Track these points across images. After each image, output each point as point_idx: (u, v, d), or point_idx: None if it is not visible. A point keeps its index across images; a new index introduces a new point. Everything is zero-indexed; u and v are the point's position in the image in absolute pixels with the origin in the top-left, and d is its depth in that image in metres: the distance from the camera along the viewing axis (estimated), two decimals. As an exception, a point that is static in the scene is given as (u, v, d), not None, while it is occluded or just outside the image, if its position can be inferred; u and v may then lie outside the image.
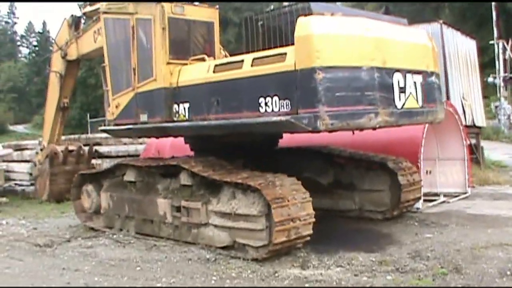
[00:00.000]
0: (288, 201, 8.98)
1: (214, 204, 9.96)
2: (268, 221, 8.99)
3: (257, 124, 9.23)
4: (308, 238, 9.34)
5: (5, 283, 8.81)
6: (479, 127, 23.36)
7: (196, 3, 12.06)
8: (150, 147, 18.55)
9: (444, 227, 11.41)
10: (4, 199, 19.56)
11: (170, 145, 16.63)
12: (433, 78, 10.49)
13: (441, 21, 21.46)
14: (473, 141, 20.77)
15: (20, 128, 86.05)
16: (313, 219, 9.28)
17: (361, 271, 8.52)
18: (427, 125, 12.92)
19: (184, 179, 10.63)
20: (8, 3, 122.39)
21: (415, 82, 9.92)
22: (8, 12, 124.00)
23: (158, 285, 8.20)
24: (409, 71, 9.79)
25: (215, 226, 9.93)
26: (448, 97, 19.10)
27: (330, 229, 11.16)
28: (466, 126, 18.35)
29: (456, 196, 15.17)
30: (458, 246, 9.76)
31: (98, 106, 55.62)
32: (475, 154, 20.32)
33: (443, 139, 15.77)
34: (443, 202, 14.54)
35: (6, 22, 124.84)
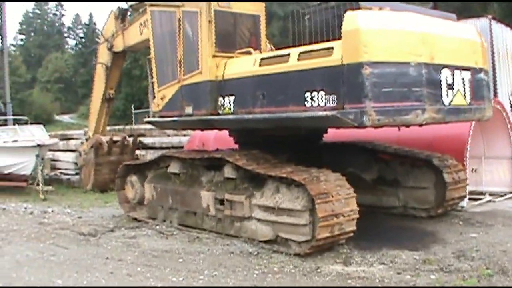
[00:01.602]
0: (332, 196, 8.93)
1: (257, 197, 9.97)
2: (311, 216, 8.95)
3: (302, 118, 9.19)
4: (352, 234, 9.29)
5: (51, 271, 8.97)
6: (527, 125, 22.83)
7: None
8: (194, 139, 18.64)
9: (489, 227, 11.19)
10: (50, 188, 20.00)
11: (214, 137, 16.68)
12: (481, 75, 10.29)
13: (490, 16, 21.01)
14: (521, 139, 20.30)
15: (66, 118, 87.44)
16: (357, 215, 9.22)
17: (404, 269, 8.42)
18: (473, 122, 12.68)
19: (228, 172, 10.66)
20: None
21: (463, 79, 9.76)
22: (56, 5, 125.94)
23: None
24: (457, 68, 9.62)
25: (258, 220, 9.93)
26: (495, 94, 18.72)
27: (373, 226, 11.07)
28: (514, 124, 17.95)
29: (502, 196, 14.84)
30: (504, 247, 9.56)
31: (142, 97, 56.19)
32: (522, 152, 19.86)
33: (490, 137, 15.45)
34: (489, 201, 14.25)
35: (54, 14, 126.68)
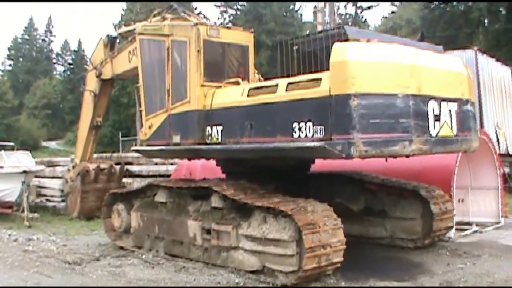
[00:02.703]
0: (320, 227, 8.92)
1: (244, 228, 9.93)
2: (298, 247, 8.93)
3: (290, 149, 9.20)
4: (339, 265, 9.25)
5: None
6: (513, 155, 23.02)
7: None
8: (181, 168, 18.58)
9: (477, 258, 11.20)
10: (35, 215, 19.77)
11: (201, 166, 16.64)
12: (468, 106, 10.36)
13: (475, 48, 21.30)
14: (507, 169, 20.48)
15: (52, 144, 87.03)
16: (344, 246, 9.20)
17: (392, 301, 8.41)
18: (460, 153, 12.74)
19: (215, 201, 10.63)
20: (45, 22, 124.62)
21: (450, 110, 9.82)
22: (45, 31, 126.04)
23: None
24: (444, 99, 9.68)
25: (245, 250, 9.89)
26: (482, 125, 18.91)
27: (360, 256, 11.04)
28: (500, 155, 18.07)
29: (489, 226, 14.89)
30: (491, 278, 9.57)
31: (130, 124, 56.13)
32: (508, 183, 20.00)
33: (476, 167, 15.53)
34: (476, 231, 14.29)
35: (43, 40, 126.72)
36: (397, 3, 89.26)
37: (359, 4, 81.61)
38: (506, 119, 22.84)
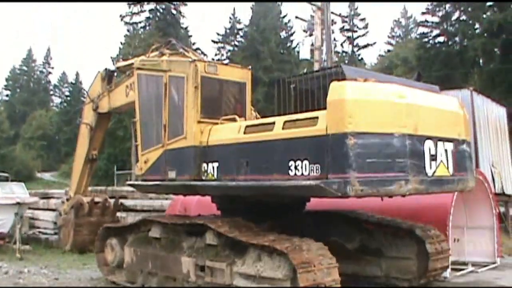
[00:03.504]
0: (314, 266, 8.81)
1: (239, 265, 9.82)
2: (293, 286, 8.81)
3: (286, 187, 9.16)
4: (334, 304, 9.14)
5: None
6: (509, 195, 23.00)
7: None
8: (175, 203, 18.50)
9: (472, 299, 11.13)
10: (27, 247, 19.66)
11: (196, 202, 16.57)
12: (464, 146, 10.37)
13: (471, 88, 21.44)
14: (502, 209, 20.45)
15: (46, 175, 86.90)
16: (339, 285, 9.09)
17: None
18: (456, 192, 12.73)
19: (210, 238, 10.54)
20: (44, 53, 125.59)
21: (446, 150, 9.82)
22: (43, 62, 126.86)
23: None
24: (441, 139, 9.69)
25: (239, 288, 9.78)
26: (477, 165, 18.90)
27: (355, 296, 10.95)
28: (496, 194, 18.06)
29: (485, 266, 14.82)
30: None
31: (125, 158, 56.11)
32: (504, 222, 19.97)
33: (472, 207, 15.52)
34: (472, 271, 14.21)
35: (41, 72, 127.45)
36: (393, 42, 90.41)
37: (355, 42, 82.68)
38: (501, 158, 22.88)
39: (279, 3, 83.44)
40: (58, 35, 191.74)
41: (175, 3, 79.90)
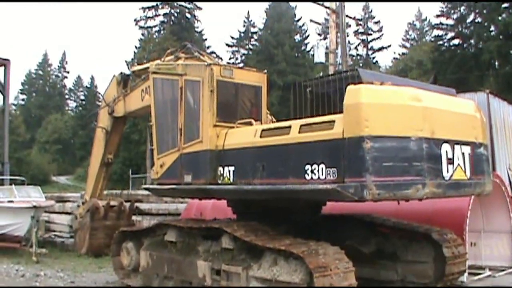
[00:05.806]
0: (331, 270, 8.77)
1: (255, 269, 9.80)
2: (309, 290, 8.80)
3: (302, 191, 9.13)
4: (350, 308, 9.09)
5: None
6: (526, 199, 22.80)
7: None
8: (191, 207, 18.51)
9: (490, 304, 11.03)
10: (43, 250, 19.71)
11: (212, 206, 16.57)
12: (481, 150, 10.29)
13: (487, 91, 21.29)
14: (519, 213, 20.23)
15: (62, 179, 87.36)
16: (356, 290, 9.07)
17: None
18: (473, 196, 12.64)
19: (225, 242, 10.53)
20: (59, 58, 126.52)
21: (463, 153, 9.74)
22: (59, 66, 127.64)
23: None
24: (458, 142, 9.62)
25: (255, 292, 9.75)
26: (494, 168, 18.76)
27: (371, 300, 10.89)
28: (513, 198, 17.91)
29: (502, 270, 14.70)
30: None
31: (140, 162, 56.38)
32: (521, 226, 19.75)
33: (489, 211, 15.40)
34: (489, 276, 14.10)
35: (56, 76, 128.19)
36: (407, 44, 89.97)
37: (370, 45, 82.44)
38: (518, 161, 22.69)
39: (294, 6, 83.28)
40: (74, 39, 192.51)
41: (189, 7, 79.98)
